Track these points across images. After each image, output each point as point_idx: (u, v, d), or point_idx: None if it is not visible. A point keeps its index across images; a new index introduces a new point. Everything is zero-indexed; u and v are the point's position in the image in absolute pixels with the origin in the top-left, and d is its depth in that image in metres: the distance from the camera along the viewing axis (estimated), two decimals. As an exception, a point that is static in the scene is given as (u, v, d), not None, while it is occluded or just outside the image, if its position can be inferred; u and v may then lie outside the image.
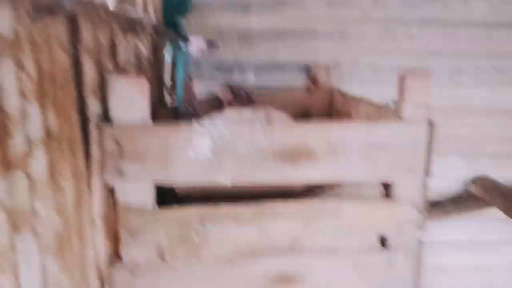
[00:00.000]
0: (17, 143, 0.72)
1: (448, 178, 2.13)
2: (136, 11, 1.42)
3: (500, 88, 2.07)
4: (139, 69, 1.42)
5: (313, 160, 0.97)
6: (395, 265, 1.02)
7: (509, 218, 1.75)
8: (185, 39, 1.93)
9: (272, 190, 1.05)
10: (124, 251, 0.98)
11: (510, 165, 2.15)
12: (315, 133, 0.97)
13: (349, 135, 0.97)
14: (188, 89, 1.94)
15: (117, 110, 0.93)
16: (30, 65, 0.75)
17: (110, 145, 0.93)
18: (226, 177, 0.97)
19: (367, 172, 0.99)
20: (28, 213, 0.75)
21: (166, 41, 1.76)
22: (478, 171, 2.12)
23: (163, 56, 1.74)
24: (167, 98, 1.81)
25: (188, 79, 1.95)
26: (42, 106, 0.79)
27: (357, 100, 1.51)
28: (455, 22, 2.01)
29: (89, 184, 0.97)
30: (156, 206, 0.98)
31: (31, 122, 0.75)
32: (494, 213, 1.95)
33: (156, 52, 1.67)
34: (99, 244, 0.98)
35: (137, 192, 0.96)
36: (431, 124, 0.99)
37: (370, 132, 0.97)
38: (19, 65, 0.73)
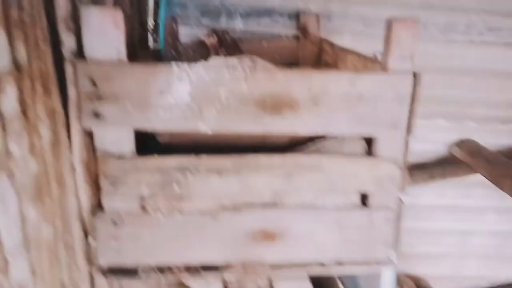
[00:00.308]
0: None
1: (433, 141, 2.15)
2: None
3: (493, 48, 2.04)
4: (116, 2, 1.34)
5: (295, 110, 0.95)
6: (375, 223, 1.04)
7: (491, 184, 1.78)
8: (170, -23, 1.82)
9: (255, 143, 1.03)
10: (105, 201, 0.97)
11: (497, 130, 2.17)
12: (297, 81, 0.94)
13: (332, 84, 0.95)
14: (172, 32, 1.86)
15: (91, 45, 0.88)
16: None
17: (85, 84, 0.89)
18: (206, 124, 0.94)
19: (350, 125, 0.98)
20: (1, 153, 0.72)
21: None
22: (464, 135, 2.14)
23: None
24: (150, 41, 1.73)
25: (172, 22, 1.86)
26: (9, 34, 0.73)
27: (345, 52, 1.47)
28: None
29: (67, 127, 0.93)
30: (136, 154, 0.96)
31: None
32: (478, 178, 1.98)
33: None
34: (81, 192, 0.96)
35: (116, 137, 0.94)
36: (416, 77, 0.96)
37: (353, 83, 0.95)
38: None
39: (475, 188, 2.28)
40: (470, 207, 2.37)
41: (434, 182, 2.17)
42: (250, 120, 0.96)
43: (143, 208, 1.01)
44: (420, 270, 2.45)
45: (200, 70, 0.91)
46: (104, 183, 0.98)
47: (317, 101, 0.95)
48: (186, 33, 1.92)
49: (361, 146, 1.06)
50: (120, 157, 0.96)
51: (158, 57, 1.77)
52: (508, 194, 1.74)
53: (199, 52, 1.88)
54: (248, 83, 0.93)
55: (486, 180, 1.86)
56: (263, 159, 1.00)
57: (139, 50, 1.62)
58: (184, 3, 1.88)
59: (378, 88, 0.95)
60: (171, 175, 0.99)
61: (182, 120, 0.94)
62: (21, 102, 0.78)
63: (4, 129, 0.74)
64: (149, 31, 1.73)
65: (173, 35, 1.86)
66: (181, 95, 0.92)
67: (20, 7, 0.77)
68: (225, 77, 0.92)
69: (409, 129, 0.99)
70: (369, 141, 1.04)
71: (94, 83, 0.89)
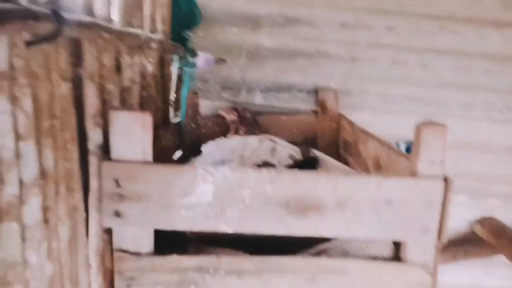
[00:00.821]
0: (9, 189, 0.66)
1: (455, 217, 2.08)
2: (143, 27, 1.37)
3: (510, 125, 2.02)
4: (144, 87, 1.37)
5: (321, 212, 0.92)
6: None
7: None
8: (193, 54, 1.88)
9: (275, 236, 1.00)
10: (118, 298, 0.93)
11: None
12: (323, 184, 0.91)
13: (359, 188, 0.92)
14: (193, 106, 1.89)
15: (118, 146, 0.88)
16: (26, 101, 0.70)
17: (109, 185, 0.88)
18: (228, 225, 0.91)
19: (377, 229, 0.94)
20: (20, 265, 0.70)
21: (173, 56, 1.70)
22: (485, 212, 2.07)
23: (170, 71, 1.69)
24: (171, 114, 1.75)
25: (193, 96, 1.90)
26: (38, 144, 0.73)
27: (366, 135, 1.46)
28: (469, 53, 1.96)
29: (85, 223, 0.91)
30: (154, 252, 0.93)
31: (25, 163, 0.70)
32: (500, 258, 1.90)
33: (163, 67, 1.62)
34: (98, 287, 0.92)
35: (135, 236, 0.91)
36: (447, 182, 0.94)
37: (381, 187, 0.92)
38: (14, 101, 0.67)
39: (497, 268, 2.18)
40: (491, 287, 2.25)
41: (455, 262, 2.07)
42: (273, 221, 0.93)
43: (158, 307, 0.96)
44: None
45: (224, 171, 0.90)
46: (118, 280, 0.94)
47: (343, 204, 0.92)
48: (207, 106, 1.95)
49: (389, 248, 1.01)
50: (138, 255, 0.93)
51: (179, 130, 1.78)
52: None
53: (219, 126, 1.90)
54: (273, 184, 0.91)
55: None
56: (286, 261, 0.96)
57: (159, 124, 1.64)
58: (206, 78, 1.93)
59: (407, 193, 0.92)
60: (189, 276, 0.95)
61: (204, 220, 0.92)
62: (44, 210, 0.76)
63: (23, 239, 0.72)
64: (171, 105, 1.75)
65: (194, 109, 1.89)
66: (204, 196, 0.90)
67: (52, 115, 0.78)
68: (250, 177, 0.90)
69: (440, 233, 0.95)
70: (397, 244, 1.00)
71: (118, 184, 0.88)
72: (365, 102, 1.97)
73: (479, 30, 1.91)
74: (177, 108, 1.84)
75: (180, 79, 1.85)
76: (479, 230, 2.08)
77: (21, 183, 0.70)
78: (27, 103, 0.69)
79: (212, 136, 1.90)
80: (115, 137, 0.87)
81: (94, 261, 0.95)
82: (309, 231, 0.94)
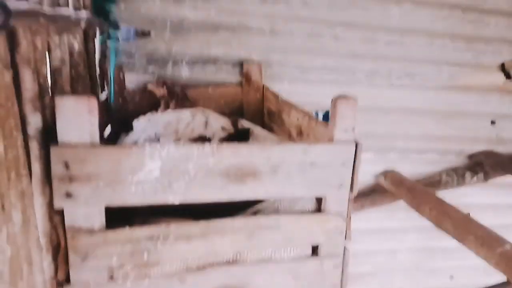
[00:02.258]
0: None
1: (362, 172, 2.38)
2: (68, 4, 1.34)
3: (409, 90, 2.34)
4: (72, 66, 1.36)
5: (257, 178, 1.06)
6: (326, 270, 1.17)
7: (412, 208, 2.04)
8: (116, 28, 1.85)
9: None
10: (73, 274, 0.99)
11: (415, 161, 2.47)
12: (259, 154, 1.05)
13: (289, 155, 1.07)
14: (119, 81, 1.89)
15: (65, 132, 0.91)
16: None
17: (58, 168, 0.92)
18: (176, 197, 1.02)
19: (303, 189, 1.11)
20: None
21: (96, 31, 1.67)
22: (387, 165, 2.40)
23: (94, 46, 1.66)
24: (98, 90, 1.74)
25: (119, 70, 1.89)
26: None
27: (289, 105, 1.62)
28: (374, 26, 2.20)
29: (34, 206, 0.95)
30: (105, 228, 1.00)
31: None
32: (400, 203, 2.25)
33: (87, 43, 1.59)
34: (47, 268, 0.97)
35: (87, 214, 0.97)
36: (357, 145, 1.13)
37: (306, 153, 1.09)
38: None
39: (398, 212, 2.56)
40: (394, 229, 2.65)
41: (364, 210, 2.41)
42: (216, 190, 1.05)
43: (112, 277, 1.05)
44: (352, 288, 2.69)
45: (170, 148, 0.99)
46: (72, 257, 1.00)
47: (276, 169, 1.07)
48: (133, 81, 1.96)
49: (312, 203, 1.20)
50: (91, 231, 0.99)
51: (107, 106, 1.78)
52: (427, 218, 2.01)
53: (147, 100, 1.93)
54: (215, 157, 1.02)
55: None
56: (228, 222, 1.09)
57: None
58: (131, 52, 1.92)
59: (327, 156, 1.10)
60: (142, 245, 1.04)
61: (152, 195, 1.00)
62: (0, 197, 0.80)
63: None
64: (97, 81, 1.73)
65: (120, 84, 1.89)
66: (152, 172, 0.99)
67: (0, 105, 0.80)
68: (193, 152, 1.01)
69: (352, 188, 1.15)
70: (319, 199, 1.19)
71: (67, 166, 0.92)
72: (285, 73, 2.13)
73: (382, 5, 2.14)
74: (102, 83, 1.82)
75: (103, 54, 1.82)
76: (382, 182, 2.41)
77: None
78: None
79: (140, 111, 1.93)
80: (62, 122, 0.91)
81: (44, 241, 0.99)
82: (248, 195, 1.08)
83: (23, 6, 0.84)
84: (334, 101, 1.09)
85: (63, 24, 1.19)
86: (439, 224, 1.89)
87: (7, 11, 0.69)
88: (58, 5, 1.20)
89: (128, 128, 1.72)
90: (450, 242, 1.80)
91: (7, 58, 0.84)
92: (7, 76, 0.84)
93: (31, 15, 0.85)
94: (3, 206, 0.81)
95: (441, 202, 1.96)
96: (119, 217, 1.05)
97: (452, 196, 2.23)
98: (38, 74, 1.01)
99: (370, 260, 2.65)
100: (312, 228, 1.15)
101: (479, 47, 2.38)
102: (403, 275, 2.77)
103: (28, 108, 0.95)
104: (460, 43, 2.34)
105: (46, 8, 1.01)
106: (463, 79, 2.40)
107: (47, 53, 1.08)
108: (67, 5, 1.29)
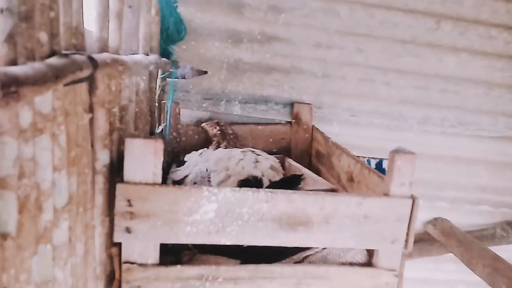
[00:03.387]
0: (45, 216, 0.75)
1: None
2: (139, 49, 1.44)
3: (461, 139, 2.28)
4: (137, 103, 1.44)
5: (309, 227, 1.06)
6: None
7: (463, 262, 1.94)
8: (176, 66, 1.96)
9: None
10: (126, 308, 1.02)
11: (466, 211, 2.37)
12: (312, 203, 1.05)
13: (342, 206, 1.07)
14: (174, 115, 1.98)
15: (131, 170, 0.97)
16: (62, 136, 0.78)
17: (121, 204, 0.97)
18: (228, 239, 1.03)
19: (355, 240, 1.09)
20: (50, 281, 0.78)
21: (160, 71, 1.78)
22: (436, 214, 2.32)
23: (155, 84, 1.76)
24: (156, 124, 1.83)
25: (175, 105, 1.98)
26: (68, 173, 0.81)
27: (340, 149, 1.62)
28: (427, 74, 2.18)
29: (94, 238, 1.00)
30: (159, 264, 1.03)
31: (58, 191, 0.78)
32: (449, 255, 2.14)
33: (151, 81, 1.69)
34: None
35: (143, 250, 1.01)
36: (414, 201, 1.11)
37: (361, 205, 1.08)
38: (53, 138, 0.75)
39: (446, 263, 2.44)
40: (442, 280, 2.52)
41: (411, 259, 2.31)
42: (268, 235, 1.05)
43: (161, 314, 1.07)
44: None
45: (226, 192, 1.02)
46: (125, 289, 1.04)
47: (328, 219, 1.07)
48: (187, 115, 2.04)
49: (362, 255, 1.17)
50: (144, 266, 1.03)
51: (162, 139, 1.86)
52: (480, 276, 1.89)
53: (199, 135, 2.00)
54: (268, 203, 1.04)
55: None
56: (276, 268, 1.09)
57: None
58: (187, 89, 2.01)
59: (381, 210, 1.08)
60: (190, 284, 1.06)
61: (206, 235, 1.03)
62: (69, 231, 0.85)
63: (53, 258, 0.80)
64: (155, 116, 1.83)
65: (175, 118, 1.98)
66: (208, 214, 1.02)
67: (77, 145, 0.86)
68: (248, 197, 1.03)
69: (406, 243, 1.12)
70: (371, 251, 1.16)
71: (130, 203, 0.97)
72: (335, 115, 2.14)
73: (437, 54, 2.13)
74: (159, 117, 1.91)
75: (162, 89, 1.93)
76: (431, 230, 2.32)
77: (54, 209, 0.78)
78: (62, 139, 0.78)
79: (192, 145, 2.00)
80: (129, 162, 0.96)
81: (99, 270, 1.03)
82: (298, 243, 1.08)
83: (107, 57, 0.91)
84: (392, 155, 1.08)
85: (135, 69, 1.28)
86: (492, 283, 1.78)
87: (95, 64, 0.76)
88: (132, 52, 1.30)
89: (179, 160, 1.79)
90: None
91: (87, 102, 0.91)
92: (86, 119, 0.91)
93: (111, 64, 0.93)
94: (70, 240, 0.86)
95: (495, 258, 1.85)
96: (167, 248, 1.08)
97: (506, 252, 2.10)
98: (109, 113, 1.08)
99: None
100: (361, 281, 1.12)
101: (537, 99, 2.29)
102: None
103: (99, 146, 1.02)
104: (517, 94, 2.27)
105: (123, 56, 1.09)
106: (520, 130, 2.31)
107: (119, 94, 1.16)
108: (138, 51, 1.39)
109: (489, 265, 1.83)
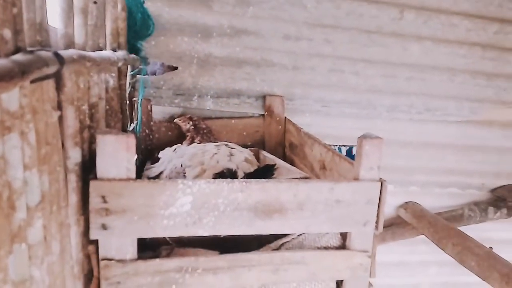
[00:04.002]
0: (18, 214, 0.74)
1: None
2: (106, 44, 1.43)
3: (429, 124, 2.36)
4: (107, 101, 1.43)
5: (284, 214, 1.09)
6: (350, 307, 1.18)
7: (434, 243, 2.02)
8: (145, 63, 1.95)
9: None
10: (105, 304, 1.02)
11: (436, 194, 2.46)
12: (286, 191, 1.08)
13: (315, 193, 1.10)
14: (146, 112, 1.96)
15: (104, 167, 0.96)
16: (31, 134, 0.77)
17: (96, 201, 0.97)
18: (205, 230, 1.05)
19: (329, 224, 1.13)
20: (27, 280, 0.78)
21: (129, 67, 1.76)
22: (407, 198, 2.40)
23: (125, 81, 1.74)
24: (127, 122, 1.81)
25: (146, 102, 1.97)
26: (39, 171, 0.81)
27: (313, 139, 1.66)
28: (394, 62, 2.24)
29: (69, 236, 0.99)
30: (137, 259, 1.03)
31: (30, 189, 0.78)
32: (421, 236, 2.23)
33: (120, 78, 1.68)
34: None
35: (120, 246, 1.01)
36: (382, 184, 1.15)
37: (332, 190, 1.11)
38: (22, 136, 0.75)
39: (419, 245, 2.53)
40: (415, 262, 2.62)
41: (384, 243, 2.39)
42: (244, 224, 1.07)
43: (141, 308, 1.07)
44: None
45: (201, 184, 1.03)
46: (104, 286, 1.03)
47: (302, 206, 1.10)
48: (159, 112, 2.03)
49: (336, 238, 1.21)
50: (123, 262, 1.03)
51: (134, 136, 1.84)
52: (450, 254, 1.98)
53: (172, 131, 2.00)
54: (243, 193, 1.06)
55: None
56: (254, 256, 1.12)
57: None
58: (158, 85, 2.00)
59: (352, 194, 1.12)
60: (170, 276, 1.07)
61: (183, 227, 1.04)
62: (43, 230, 0.84)
63: (29, 257, 0.80)
64: (127, 113, 1.81)
65: (147, 115, 1.97)
66: (184, 206, 1.03)
67: (47, 143, 0.85)
68: (223, 188, 1.04)
69: (377, 225, 1.16)
70: (344, 234, 1.20)
71: (104, 200, 0.97)
72: (306, 106, 2.18)
73: (402, 43, 2.20)
74: (131, 115, 1.90)
75: (133, 87, 1.91)
76: (403, 214, 2.40)
77: (27, 207, 0.77)
78: (31, 137, 0.77)
79: (165, 141, 2.00)
80: (101, 158, 0.96)
81: (76, 269, 1.03)
82: (274, 230, 1.10)
83: (74, 53, 0.91)
84: (360, 140, 1.12)
85: (104, 66, 1.27)
86: (462, 260, 1.86)
87: (61, 60, 0.76)
88: (99, 48, 1.28)
89: (153, 158, 1.78)
90: (474, 277, 1.77)
91: (55, 100, 0.90)
92: (55, 116, 0.90)
93: (78, 61, 0.92)
94: (45, 238, 0.85)
95: (464, 237, 1.94)
96: (145, 243, 1.09)
97: (474, 230, 2.20)
98: (79, 111, 1.07)
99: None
100: (336, 264, 1.16)
101: (499, 84, 2.40)
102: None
103: (69, 144, 1.01)
104: (481, 79, 2.36)
105: (90, 53, 1.08)
106: (484, 114, 2.41)
107: (86, 90, 1.15)
108: (106, 47, 1.38)
109: (459, 243, 1.91)
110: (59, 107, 0.95)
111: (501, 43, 2.33)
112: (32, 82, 0.76)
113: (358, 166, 1.13)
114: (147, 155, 1.93)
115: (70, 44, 1.01)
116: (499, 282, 1.56)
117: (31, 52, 0.72)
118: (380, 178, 1.15)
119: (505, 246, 2.43)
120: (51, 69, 0.74)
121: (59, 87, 0.94)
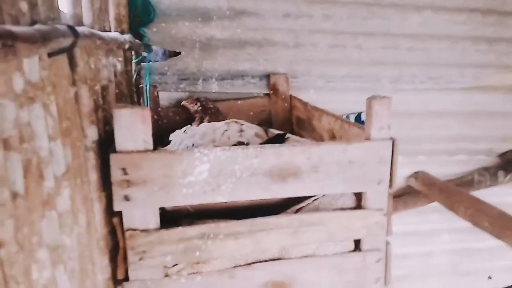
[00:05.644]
0: (47, 183, 0.77)
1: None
2: (110, 29, 1.45)
3: (432, 93, 2.37)
4: (116, 85, 1.46)
5: (299, 177, 1.11)
6: (369, 264, 1.21)
7: (446, 209, 2.05)
8: (149, 49, 1.97)
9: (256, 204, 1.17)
10: (132, 272, 1.05)
11: (444, 162, 2.48)
12: (300, 154, 1.11)
13: (328, 154, 1.13)
14: (153, 98, 1.99)
15: (123, 141, 1.00)
16: (52, 106, 0.80)
17: (117, 174, 1.00)
18: (223, 196, 1.08)
19: (343, 185, 1.15)
20: (60, 247, 0.81)
21: (134, 52, 1.79)
22: (416, 168, 2.42)
23: (131, 67, 1.77)
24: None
25: (153, 88, 1.99)
26: (63, 144, 0.84)
27: (320, 111, 1.68)
28: (394, 34, 2.25)
29: (94, 210, 1.03)
30: (160, 227, 1.06)
31: (56, 159, 0.80)
32: (433, 206, 2.25)
33: (126, 64, 1.70)
34: (106, 268, 1.04)
35: (143, 216, 1.04)
36: (393, 142, 1.17)
37: (345, 151, 1.14)
38: (45, 108, 0.77)
39: (431, 214, 2.55)
40: (428, 231, 2.64)
41: (397, 212, 2.41)
42: (260, 189, 1.10)
43: (167, 275, 1.11)
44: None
45: (217, 152, 1.06)
46: (131, 256, 1.07)
47: (316, 168, 1.12)
48: (166, 98, 2.06)
49: (352, 200, 1.24)
50: (147, 232, 1.06)
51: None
52: (463, 218, 2.00)
53: (180, 116, 2.02)
54: (258, 158, 1.08)
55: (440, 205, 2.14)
56: (273, 220, 1.15)
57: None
58: (163, 71, 2.03)
59: (365, 154, 1.14)
60: (193, 243, 1.10)
61: (202, 195, 1.07)
62: (70, 200, 0.87)
63: (60, 226, 0.83)
64: (134, 98, 1.84)
65: (154, 101, 1.99)
66: (201, 174, 1.06)
67: (67, 117, 0.88)
68: (239, 155, 1.07)
69: (391, 183, 1.19)
70: (359, 195, 1.23)
71: (125, 172, 1.00)
72: (310, 83, 2.20)
73: (402, 13, 2.21)
74: (138, 101, 1.93)
75: (138, 73, 1.93)
76: (413, 183, 2.42)
77: (55, 177, 0.80)
78: (53, 108, 0.80)
79: (174, 126, 2.02)
80: (119, 131, 0.99)
81: (102, 244, 1.07)
82: (290, 193, 1.13)
83: (85, 30, 0.93)
84: (369, 101, 1.14)
85: (111, 47, 1.30)
86: (475, 222, 1.88)
87: (75, 33, 0.78)
88: (105, 30, 1.31)
89: (164, 143, 1.81)
90: (485, 243, 1.80)
91: (70, 77, 0.93)
92: (71, 92, 0.93)
93: (90, 37, 0.95)
94: (72, 209, 0.88)
95: (476, 200, 1.96)
96: (167, 218, 1.12)
97: (483, 196, 2.21)
98: (92, 91, 1.10)
99: (405, 264, 2.63)
100: (353, 223, 1.19)
101: (501, 48, 2.40)
102: (439, 277, 2.73)
103: (86, 122, 1.04)
104: (482, 45, 2.37)
105: (99, 32, 1.11)
106: (488, 79, 2.42)
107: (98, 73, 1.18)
108: (110, 28, 1.40)
109: (471, 206, 1.93)
110: (74, 84, 0.98)
111: (501, 8, 2.33)
112: (49, 56, 0.78)
113: (369, 126, 1.15)
114: (156, 141, 1.96)
115: (79, 24, 1.04)
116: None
117: (47, 24, 0.74)
118: (391, 137, 1.17)
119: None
120: (67, 41, 0.77)
121: (72, 65, 0.97)
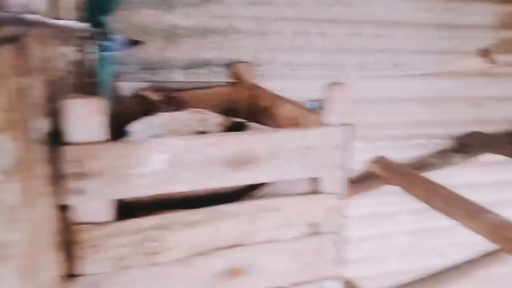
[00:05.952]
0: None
1: (354, 161, 2.46)
2: (65, 16, 1.41)
3: (396, 80, 2.43)
4: (74, 77, 1.43)
5: (257, 164, 1.13)
6: (326, 248, 1.25)
7: (404, 191, 2.12)
8: (110, 38, 1.92)
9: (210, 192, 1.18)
10: (86, 266, 1.04)
11: (403, 146, 2.56)
12: (260, 141, 1.12)
13: (287, 141, 1.15)
14: (112, 89, 1.95)
15: (77, 132, 0.98)
16: (2, 97, 0.78)
17: (70, 166, 0.98)
18: (182, 186, 1.08)
19: (301, 171, 1.18)
20: (6, 245, 0.79)
21: (91, 42, 1.74)
22: (376, 153, 2.48)
23: (90, 57, 1.73)
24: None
25: (113, 79, 1.95)
26: (12, 136, 0.82)
27: (281, 99, 1.69)
28: (359, 21, 2.28)
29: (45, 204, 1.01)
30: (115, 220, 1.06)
31: (5, 153, 0.79)
32: (391, 189, 2.32)
33: (84, 54, 1.66)
34: (60, 263, 1.03)
35: (98, 208, 1.03)
36: (349, 127, 1.21)
37: (303, 138, 1.16)
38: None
39: (390, 196, 2.63)
40: (386, 213, 2.73)
41: (358, 195, 2.48)
42: (220, 177, 1.12)
43: (122, 266, 1.10)
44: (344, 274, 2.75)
45: (175, 140, 1.06)
46: (84, 250, 1.05)
47: (275, 155, 1.14)
48: (126, 88, 2.02)
49: (309, 185, 1.27)
50: (102, 224, 1.05)
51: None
52: (419, 199, 2.09)
53: (140, 106, 1.99)
54: (217, 146, 1.09)
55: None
56: (230, 208, 1.16)
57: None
58: (125, 61, 1.99)
59: (322, 139, 1.17)
60: (150, 234, 1.10)
61: (160, 185, 1.07)
62: (20, 195, 0.86)
63: (8, 221, 0.82)
64: (94, 90, 1.80)
65: (114, 91, 1.95)
66: (159, 164, 1.06)
67: (16, 109, 0.86)
68: (197, 143, 1.08)
69: (348, 167, 1.23)
70: (315, 180, 1.26)
71: (79, 164, 0.99)
72: (275, 71, 2.21)
73: (366, 0, 2.23)
74: (97, 92, 1.88)
75: (97, 63, 1.89)
76: (373, 168, 2.49)
77: (2, 171, 0.79)
78: (2, 100, 0.78)
79: (134, 117, 1.99)
80: (72, 122, 0.97)
81: (55, 239, 1.05)
82: (250, 180, 1.15)
83: (35, 18, 0.91)
84: (325, 88, 1.17)
85: (66, 36, 1.26)
86: (431, 203, 1.97)
87: (25, 23, 0.76)
88: (59, 18, 1.27)
89: (122, 134, 1.78)
90: (440, 222, 1.87)
91: (20, 67, 0.91)
92: (20, 83, 0.90)
93: (43, 26, 0.92)
94: (23, 204, 0.87)
95: (431, 182, 2.05)
96: (123, 212, 1.11)
97: (441, 177, 2.30)
98: (45, 82, 1.07)
99: (364, 246, 2.72)
100: (310, 208, 1.22)
101: (463, 34, 2.47)
102: (397, 258, 2.84)
103: (37, 114, 1.02)
104: (445, 31, 2.43)
105: (53, 20, 1.08)
106: (450, 65, 2.49)
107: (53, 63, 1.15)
108: (64, 16, 1.36)
109: (426, 188, 2.02)
110: (24, 75, 0.95)
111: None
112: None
113: (326, 112, 1.18)
114: (115, 132, 1.93)
115: (30, 12, 1.00)
116: (465, 217, 1.68)
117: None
118: (346, 122, 1.20)
119: (470, 189, 2.55)
120: (15, 30, 0.75)
121: (21, 54, 0.94)
